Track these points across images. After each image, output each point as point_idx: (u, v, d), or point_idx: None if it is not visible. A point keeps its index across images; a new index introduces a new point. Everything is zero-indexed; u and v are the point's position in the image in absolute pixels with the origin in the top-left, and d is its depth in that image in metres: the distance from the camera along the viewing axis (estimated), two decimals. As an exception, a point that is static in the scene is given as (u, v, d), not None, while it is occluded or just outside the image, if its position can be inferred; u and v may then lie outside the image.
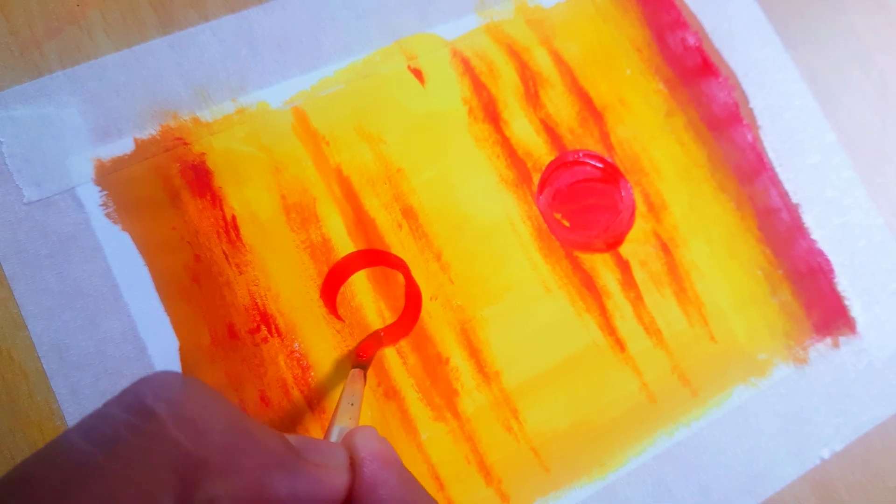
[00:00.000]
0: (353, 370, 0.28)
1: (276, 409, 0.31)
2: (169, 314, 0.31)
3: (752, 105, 0.41)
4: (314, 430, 0.31)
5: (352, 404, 0.24)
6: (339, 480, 0.17)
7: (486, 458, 0.32)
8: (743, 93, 0.41)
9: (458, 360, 0.33)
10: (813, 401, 0.36)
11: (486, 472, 0.32)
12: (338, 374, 0.32)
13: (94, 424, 0.14)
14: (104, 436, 0.13)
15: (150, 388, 0.14)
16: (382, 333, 0.32)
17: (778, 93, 0.41)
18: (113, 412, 0.14)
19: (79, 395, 0.29)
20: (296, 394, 0.31)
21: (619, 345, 0.35)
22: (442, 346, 0.33)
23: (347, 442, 0.18)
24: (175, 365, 0.30)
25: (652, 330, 0.35)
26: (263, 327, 0.31)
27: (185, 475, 0.14)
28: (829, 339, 0.37)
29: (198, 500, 0.14)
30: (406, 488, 0.17)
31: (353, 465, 0.17)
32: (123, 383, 0.29)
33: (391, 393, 0.32)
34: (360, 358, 0.30)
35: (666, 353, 0.35)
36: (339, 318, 0.32)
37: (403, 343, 0.33)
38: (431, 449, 0.32)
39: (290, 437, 0.17)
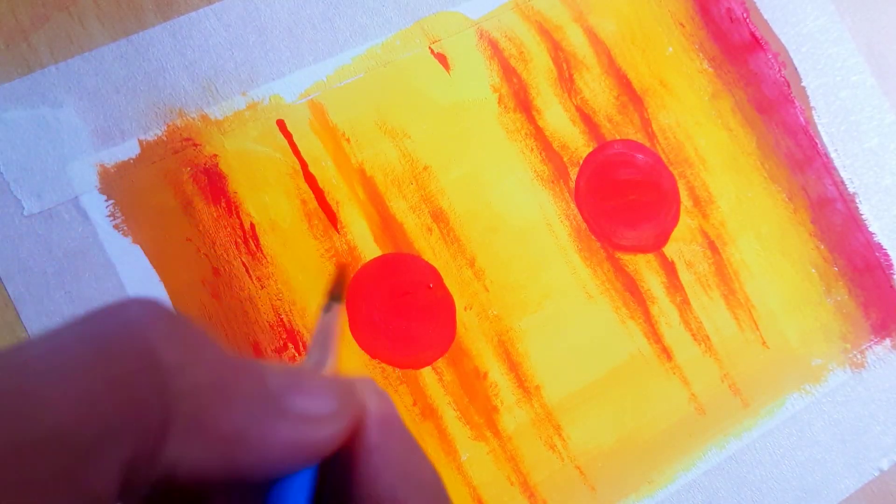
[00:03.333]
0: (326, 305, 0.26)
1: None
2: (189, 334, 0.32)
3: (804, 83, 0.42)
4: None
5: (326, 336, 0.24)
6: (326, 433, 0.17)
7: (529, 478, 0.34)
8: (795, 70, 0.42)
9: (497, 375, 0.35)
10: (871, 408, 0.38)
11: (529, 493, 0.34)
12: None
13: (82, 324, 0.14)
14: (93, 335, 0.14)
15: (137, 311, 0.14)
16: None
17: (833, 69, 0.43)
18: (100, 319, 0.14)
19: (98, 423, 0.31)
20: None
21: (666, 353, 0.37)
22: (479, 360, 0.35)
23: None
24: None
25: (700, 336, 0.38)
26: (290, 345, 0.33)
27: (165, 397, 0.14)
28: (888, 341, 0.39)
29: (166, 453, 0.14)
30: (408, 457, 0.18)
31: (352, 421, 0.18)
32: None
33: (428, 412, 0.34)
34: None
35: (715, 361, 0.37)
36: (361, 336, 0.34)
37: (439, 359, 0.35)
38: (472, 470, 0.34)
39: (283, 368, 0.17)
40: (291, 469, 0.17)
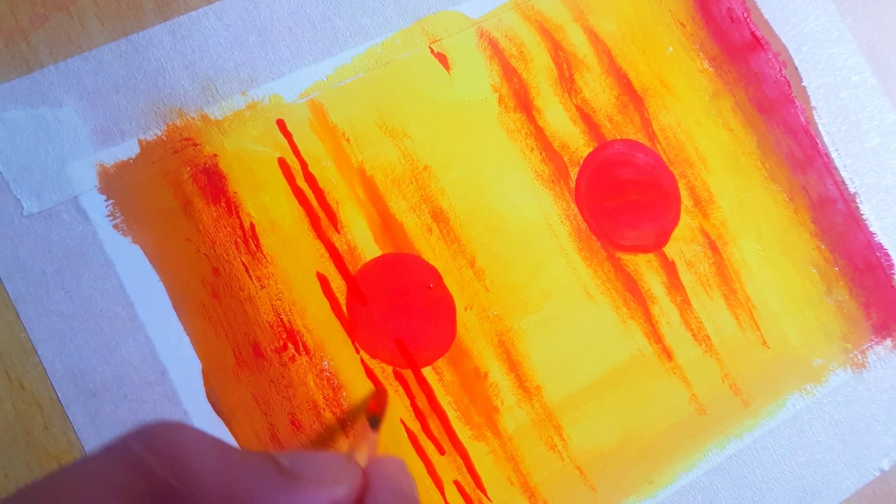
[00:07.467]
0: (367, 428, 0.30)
1: (308, 433, 0.33)
2: (189, 334, 0.33)
3: (805, 83, 0.42)
4: (348, 455, 0.33)
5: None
6: (338, 493, 0.19)
7: (529, 478, 0.35)
8: (795, 70, 0.42)
9: (497, 375, 0.35)
10: (872, 408, 0.38)
11: (530, 493, 0.35)
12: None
13: (78, 466, 0.17)
14: (88, 471, 0.17)
15: (135, 436, 0.18)
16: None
17: (833, 69, 0.43)
18: (96, 459, 0.18)
19: (98, 424, 0.31)
20: (328, 416, 0.33)
21: (666, 353, 0.37)
22: (479, 360, 0.35)
23: (372, 469, 0.21)
24: (198, 388, 0.32)
25: (700, 336, 0.38)
26: (290, 345, 0.33)
27: None
28: (889, 342, 0.40)
29: None
30: None
31: (370, 492, 0.20)
32: (145, 410, 0.31)
33: (428, 412, 0.34)
34: (373, 412, 0.31)
35: (716, 361, 0.38)
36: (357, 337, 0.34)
37: (439, 359, 0.35)
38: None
39: (286, 455, 0.20)
40: None
